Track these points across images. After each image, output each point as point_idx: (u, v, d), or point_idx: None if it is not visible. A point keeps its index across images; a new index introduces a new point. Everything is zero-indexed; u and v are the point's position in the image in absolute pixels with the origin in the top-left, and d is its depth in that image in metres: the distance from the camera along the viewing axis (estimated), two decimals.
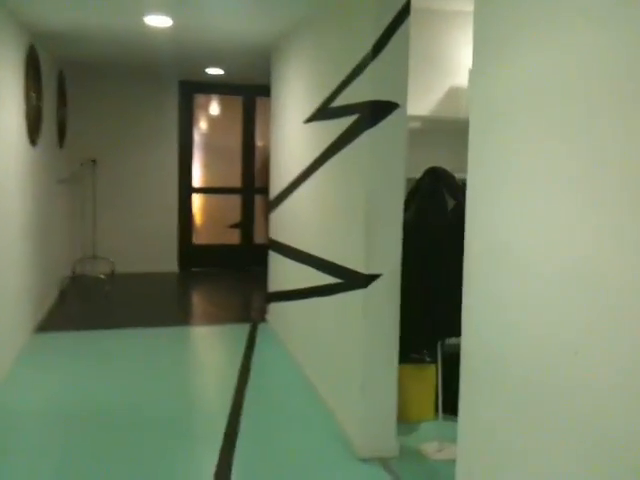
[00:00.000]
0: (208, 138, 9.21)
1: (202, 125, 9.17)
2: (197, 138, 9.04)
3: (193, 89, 8.90)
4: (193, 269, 9.02)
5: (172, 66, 7.77)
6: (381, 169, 3.26)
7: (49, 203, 6.57)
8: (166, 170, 8.81)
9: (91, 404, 3.99)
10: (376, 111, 3.23)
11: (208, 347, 5.62)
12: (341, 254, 3.68)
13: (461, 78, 4.30)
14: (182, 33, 5.47)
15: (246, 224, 9.22)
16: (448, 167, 3.40)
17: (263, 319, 6.17)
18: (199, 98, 9.08)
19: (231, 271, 9.05)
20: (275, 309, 5.84)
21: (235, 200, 9.23)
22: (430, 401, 3.76)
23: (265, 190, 9.28)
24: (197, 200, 9.09)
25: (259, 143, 9.25)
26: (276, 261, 5.80)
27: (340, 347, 3.72)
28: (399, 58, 3.21)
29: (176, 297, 7.70)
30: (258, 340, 5.51)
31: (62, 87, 7.57)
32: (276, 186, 5.78)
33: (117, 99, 8.56)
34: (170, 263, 8.89)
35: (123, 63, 7.50)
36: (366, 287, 3.27)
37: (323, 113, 4.13)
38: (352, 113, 3.50)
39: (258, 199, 9.29)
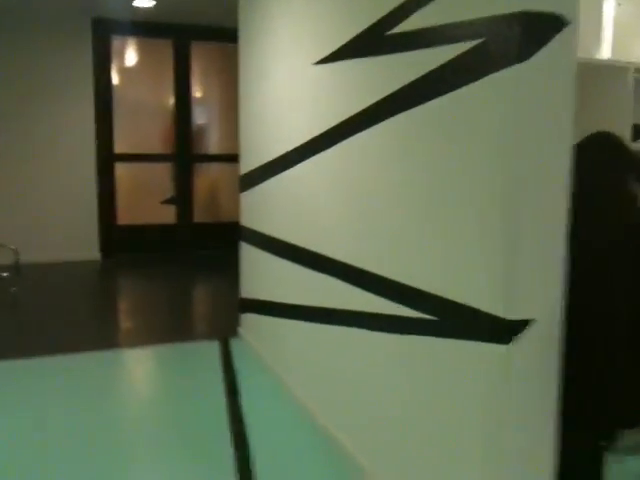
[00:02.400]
0: (132, 93, 7.40)
1: (123, 77, 7.33)
2: (118, 93, 7.22)
3: (110, 29, 7.06)
4: (119, 255, 7.31)
5: None
6: (534, 139, 1.85)
7: None
8: (80, 134, 6.98)
9: None
10: (528, 30, 1.80)
11: (171, 386, 3.99)
12: (431, 275, 2.26)
13: None
14: None
15: (183, 199, 7.56)
16: None
17: (234, 332, 4.67)
18: (118, 42, 7.23)
19: (167, 257, 7.40)
20: (254, 321, 4.36)
21: (168, 169, 7.52)
22: None
23: (206, 157, 7.63)
24: (121, 170, 7.32)
25: (197, 98, 7.55)
26: (254, 257, 4.30)
27: (424, 413, 2.33)
28: None
29: (103, 298, 6.01)
30: (238, 370, 4.02)
31: None
32: (252, 157, 4.24)
33: (13, 49, 6.61)
34: (90, 249, 7.14)
35: None
36: (507, 340, 1.88)
37: (369, 44, 2.64)
38: (461, 38, 2.04)
39: (198, 168, 7.62)
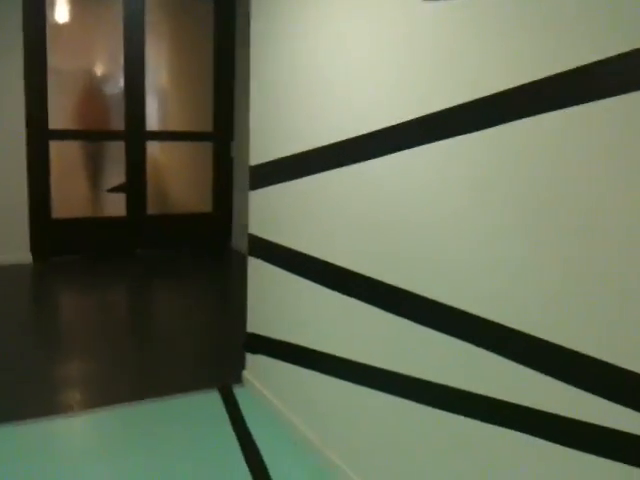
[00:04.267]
0: (71, 55, 5.94)
1: (61, 35, 5.86)
2: (54, 56, 5.75)
3: None
4: (54, 258, 5.90)
5: None
6: None
7: None
8: (5, 105, 5.49)
9: None
10: None
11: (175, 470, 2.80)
12: None
13: None
14: None
15: (135, 186, 6.20)
16: None
17: (234, 375, 3.49)
18: None
19: (118, 259, 6.05)
20: (267, 365, 3.19)
21: (117, 149, 6.13)
22: None
23: (163, 135, 6.30)
24: (56, 150, 5.89)
25: (154, 61, 6.18)
26: (270, 279, 3.12)
27: None
28: None
29: (38, 322, 4.62)
30: (257, 440, 2.85)
31: None
32: (270, 144, 3.04)
33: None
34: (18, 250, 5.70)
35: None
36: None
37: None
38: None
39: (154, 147, 6.28)
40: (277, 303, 3.09)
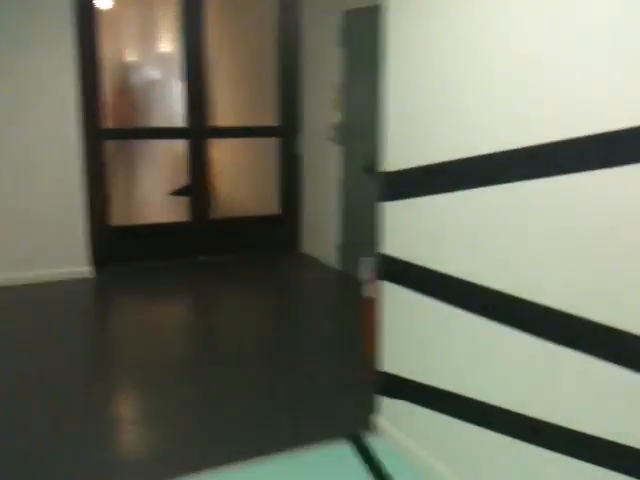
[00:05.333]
0: (125, 50, 5.40)
1: (114, 30, 5.31)
2: (107, 52, 5.21)
3: None
4: (115, 268, 5.40)
5: None
6: None
7: None
8: (56, 103, 4.97)
9: None
10: None
11: None
12: None
13: None
14: None
15: (197, 189, 5.67)
16: None
17: (362, 421, 2.95)
18: None
19: (184, 267, 5.54)
20: (409, 412, 2.64)
21: (178, 148, 5.61)
22: None
23: (227, 131, 5.76)
24: (112, 151, 5.37)
25: (213, 55, 5.61)
26: (415, 311, 2.56)
27: None
28: None
29: (113, 348, 4.09)
30: None
31: None
32: (418, 145, 2.47)
33: None
34: (75, 261, 5.21)
35: None
36: None
37: None
38: None
39: (218, 145, 5.73)
40: (422, 338, 2.54)
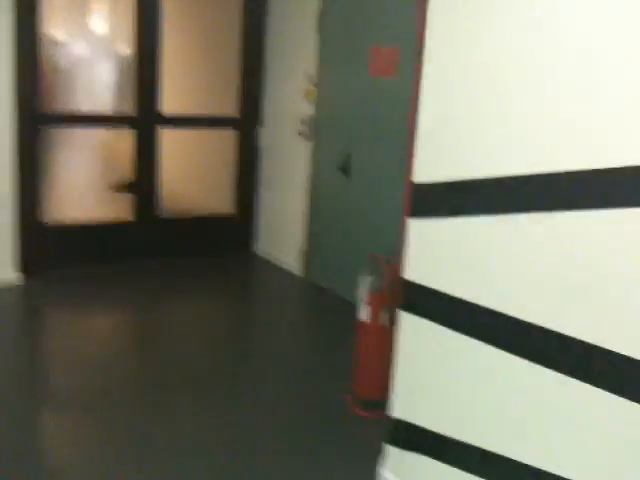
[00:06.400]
0: (69, 26, 4.70)
1: (59, 3, 4.61)
2: (49, 26, 4.50)
3: None
4: (49, 273, 4.71)
5: None
6: None
7: None
8: None
9: None
10: None
11: None
12: None
13: None
14: None
15: (144, 184, 5.05)
16: None
17: (365, 470, 2.50)
18: None
19: (125, 271, 4.91)
20: (422, 465, 2.22)
21: (124, 138, 4.97)
22: None
23: (179, 120, 5.17)
24: (49, 138, 4.69)
25: (170, 35, 4.99)
26: (438, 346, 2.13)
27: None
28: None
29: (50, 369, 3.46)
30: None
31: None
32: (456, 154, 2.04)
33: None
34: (1, 266, 4.50)
35: None
36: None
37: None
38: None
39: (169, 135, 5.11)
40: (449, 382, 2.12)
